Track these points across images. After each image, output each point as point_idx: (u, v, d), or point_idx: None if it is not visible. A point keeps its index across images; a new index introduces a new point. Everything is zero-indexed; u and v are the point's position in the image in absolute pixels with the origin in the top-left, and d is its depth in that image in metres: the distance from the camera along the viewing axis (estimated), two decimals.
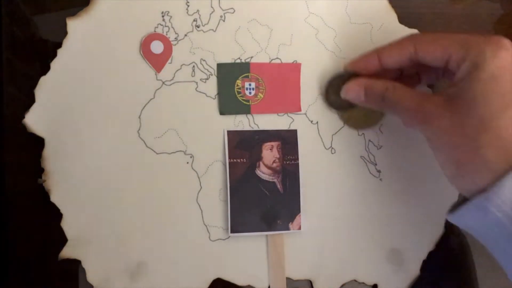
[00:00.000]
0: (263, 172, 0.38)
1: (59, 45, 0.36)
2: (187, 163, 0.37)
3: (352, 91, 0.34)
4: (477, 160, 0.28)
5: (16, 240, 0.37)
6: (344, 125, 0.39)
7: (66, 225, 0.36)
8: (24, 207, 0.37)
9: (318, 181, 0.38)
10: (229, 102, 0.38)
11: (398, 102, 0.32)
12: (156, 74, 0.37)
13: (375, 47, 0.39)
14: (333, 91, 0.37)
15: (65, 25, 0.36)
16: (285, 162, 0.38)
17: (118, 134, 0.37)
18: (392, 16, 0.40)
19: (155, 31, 0.37)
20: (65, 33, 0.36)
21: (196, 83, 0.38)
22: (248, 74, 0.38)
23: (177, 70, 0.38)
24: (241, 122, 0.38)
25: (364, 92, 0.34)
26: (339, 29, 0.39)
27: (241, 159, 0.37)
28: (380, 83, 0.33)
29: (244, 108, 0.38)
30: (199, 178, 0.37)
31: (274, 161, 0.38)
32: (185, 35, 0.38)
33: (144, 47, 0.37)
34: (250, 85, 0.38)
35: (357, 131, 0.39)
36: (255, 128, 0.38)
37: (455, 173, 0.30)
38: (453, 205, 0.32)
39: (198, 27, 0.38)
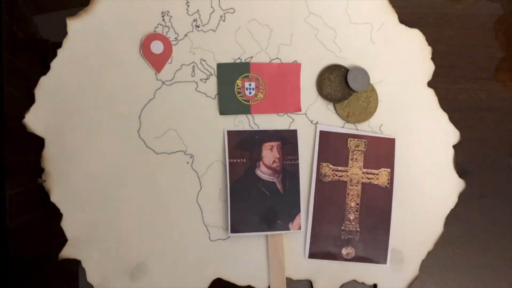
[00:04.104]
0: (263, 172, 0.38)
1: (59, 45, 0.36)
2: (187, 163, 0.37)
3: None
4: None
5: (16, 240, 0.37)
6: (344, 125, 0.39)
7: (66, 225, 0.36)
8: (24, 207, 0.37)
9: None
10: (229, 102, 0.38)
11: None
12: (156, 74, 0.37)
13: (375, 47, 0.39)
14: (326, 84, 0.38)
15: (65, 25, 0.36)
16: (285, 162, 0.38)
17: (118, 134, 0.37)
18: (392, 16, 0.40)
19: (155, 31, 0.37)
20: (65, 33, 0.36)
21: (196, 83, 0.38)
22: (248, 74, 0.38)
23: (177, 70, 0.38)
24: (241, 122, 0.38)
25: None
26: (339, 29, 0.39)
27: (241, 159, 0.37)
28: None
29: (244, 108, 0.38)
30: (199, 178, 0.37)
31: (274, 161, 0.38)
32: (185, 35, 0.38)
33: (144, 47, 0.37)
34: (250, 85, 0.38)
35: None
36: (255, 128, 0.38)
37: None
38: None
39: (198, 27, 0.38)
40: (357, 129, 0.39)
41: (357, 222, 0.38)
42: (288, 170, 0.38)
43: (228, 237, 0.37)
